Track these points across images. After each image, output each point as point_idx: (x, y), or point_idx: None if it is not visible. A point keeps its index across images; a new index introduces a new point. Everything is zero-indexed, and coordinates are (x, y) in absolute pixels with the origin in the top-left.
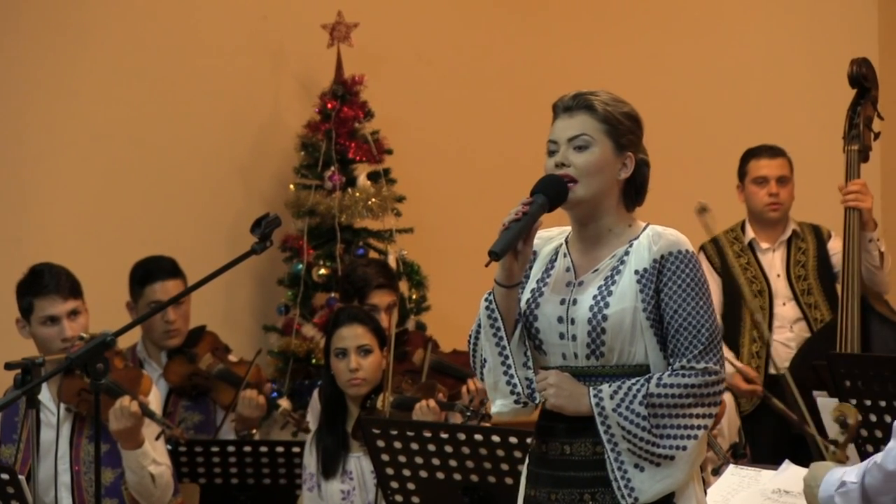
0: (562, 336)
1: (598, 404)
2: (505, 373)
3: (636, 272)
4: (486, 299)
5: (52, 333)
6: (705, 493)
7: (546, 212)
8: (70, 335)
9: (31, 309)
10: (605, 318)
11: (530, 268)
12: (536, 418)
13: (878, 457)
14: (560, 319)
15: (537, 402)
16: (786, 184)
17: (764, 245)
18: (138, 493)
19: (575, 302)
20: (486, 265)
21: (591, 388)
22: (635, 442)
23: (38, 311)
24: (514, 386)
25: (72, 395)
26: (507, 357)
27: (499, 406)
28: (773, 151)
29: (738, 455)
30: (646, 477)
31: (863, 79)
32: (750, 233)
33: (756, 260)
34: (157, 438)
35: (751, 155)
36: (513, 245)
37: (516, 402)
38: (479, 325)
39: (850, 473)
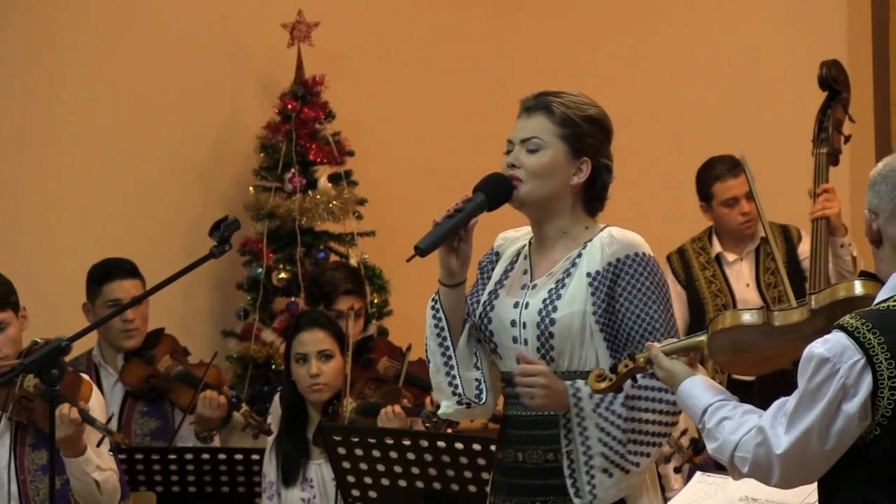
0: (514, 340)
1: (576, 404)
2: (447, 374)
3: (588, 274)
4: (432, 300)
5: None
6: (664, 498)
7: (485, 210)
8: None
9: None
10: (552, 321)
11: (492, 269)
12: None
13: (765, 424)
14: (513, 323)
15: (483, 402)
16: (752, 197)
17: (731, 257)
18: (84, 499)
19: (527, 305)
20: (408, 259)
21: (567, 385)
22: (612, 445)
23: None
24: (456, 387)
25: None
26: (450, 358)
27: (444, 408)
28: (734, 169)
29: (699, 450)
30: (612, 483)
31: (833, 81)
32: (717, 246)
33: (722, 273)
34: (98, 445)
35: (713, 177)
36: (441, 243)
37: (459, 402)
38: (427, 327)
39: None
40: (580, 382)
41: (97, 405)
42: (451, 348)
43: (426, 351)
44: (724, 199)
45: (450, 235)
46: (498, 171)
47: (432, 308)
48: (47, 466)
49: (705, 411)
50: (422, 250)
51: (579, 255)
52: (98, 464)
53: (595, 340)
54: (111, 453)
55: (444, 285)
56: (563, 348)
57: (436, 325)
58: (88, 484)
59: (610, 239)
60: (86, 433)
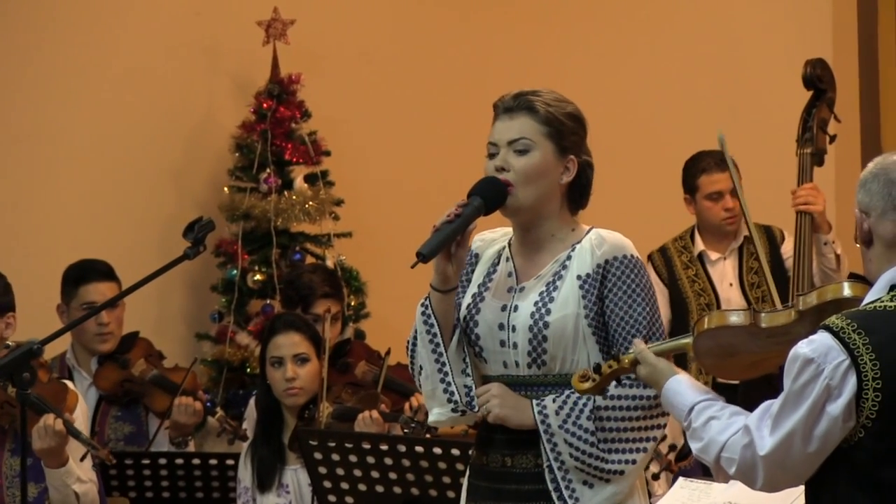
0: (502, 343)
1: (543, 421)
2: (442, 380)
3: (578, 277)
4: (423, 304)
5: None
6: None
7: (482, 215)
8: None
9: None
10: (546, 325)
11: (472, 271)
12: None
13: (751, 424)
14: (501, 326)
15: (476, 409)
16: (736, 193)
17: (714, 256)
18: None
19: (516, 308)
20: (412, 266)
21: (534, 402)
22: (583, 459)
23: None
24: (452, 394)
25: None
26: (444, 364)
27: (436, 415)
28: (721, 163)
29: (682, 457)
30: (594, 493)
31: (818, 80)
32: (700, 244)
33: (705, 272)
34: (81, 460)
35: (699, 170)
36: (442, 248)
37: (454, 410)
38: (416, 332)
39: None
40: (547, 399)
41: (81, 416)
42: (445, 354)
43: (413, 357)
44: (708, 193)
45: (450, 240)
46: (490, 175)
47: (423, 314)
48: (27, 472)
49: (691, 409)
50: (424, 256)
51: (569, 258)
52: (79, 475)
53: (587, 343)
54: (94, 468)
55: (438, 290)
56: (555, 352)
57: (427, 332)
58: (68, 496)
59: (599, 241)
60: (69, 445)
